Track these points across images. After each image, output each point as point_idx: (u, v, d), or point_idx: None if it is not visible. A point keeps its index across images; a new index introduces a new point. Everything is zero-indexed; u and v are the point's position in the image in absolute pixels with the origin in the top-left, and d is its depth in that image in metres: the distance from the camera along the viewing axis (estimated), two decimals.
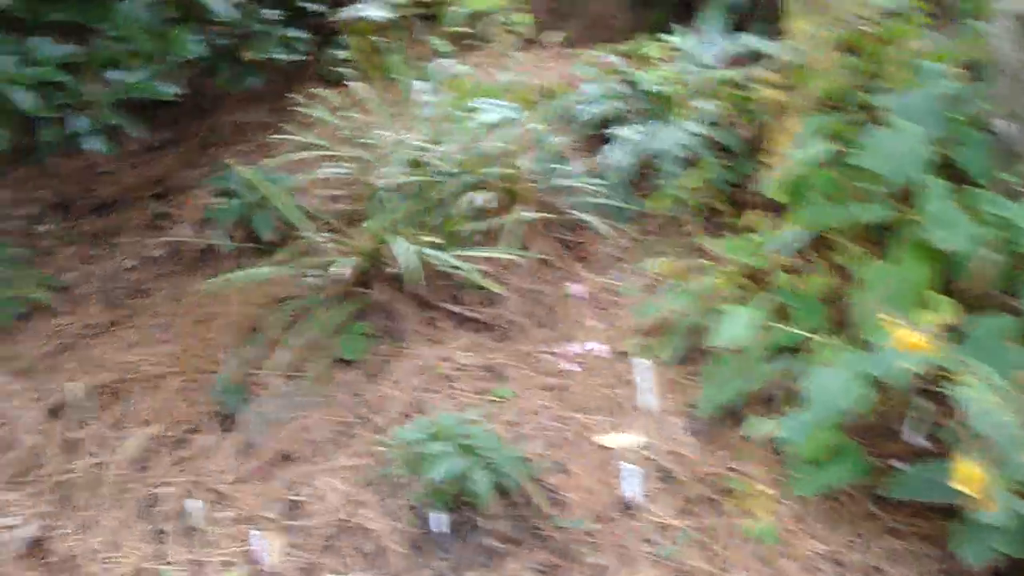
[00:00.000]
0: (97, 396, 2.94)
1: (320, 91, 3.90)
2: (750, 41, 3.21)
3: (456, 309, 2.94)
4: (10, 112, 2.84)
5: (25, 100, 2.79)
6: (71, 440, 2.82)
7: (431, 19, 4.62)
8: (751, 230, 2.75)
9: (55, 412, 2.92)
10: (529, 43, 4.62)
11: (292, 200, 3.17)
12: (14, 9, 2.76)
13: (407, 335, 2.90)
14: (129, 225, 3.71)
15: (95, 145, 3.00)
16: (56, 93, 2.90)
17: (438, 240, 2.87)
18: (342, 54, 4.25)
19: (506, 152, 3.19)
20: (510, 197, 3.13)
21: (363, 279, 2.90)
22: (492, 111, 3.33)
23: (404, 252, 2.70)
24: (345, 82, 3.91)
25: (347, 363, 2.86)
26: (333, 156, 3.35)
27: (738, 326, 2.39)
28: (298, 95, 4.00)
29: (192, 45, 3.13)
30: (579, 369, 2.75)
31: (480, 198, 3.01)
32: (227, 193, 3.35)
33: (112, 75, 3.01)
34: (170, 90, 3.05)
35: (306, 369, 2.83)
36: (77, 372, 3.04)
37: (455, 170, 3.06)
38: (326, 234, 3.04)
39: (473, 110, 3.36)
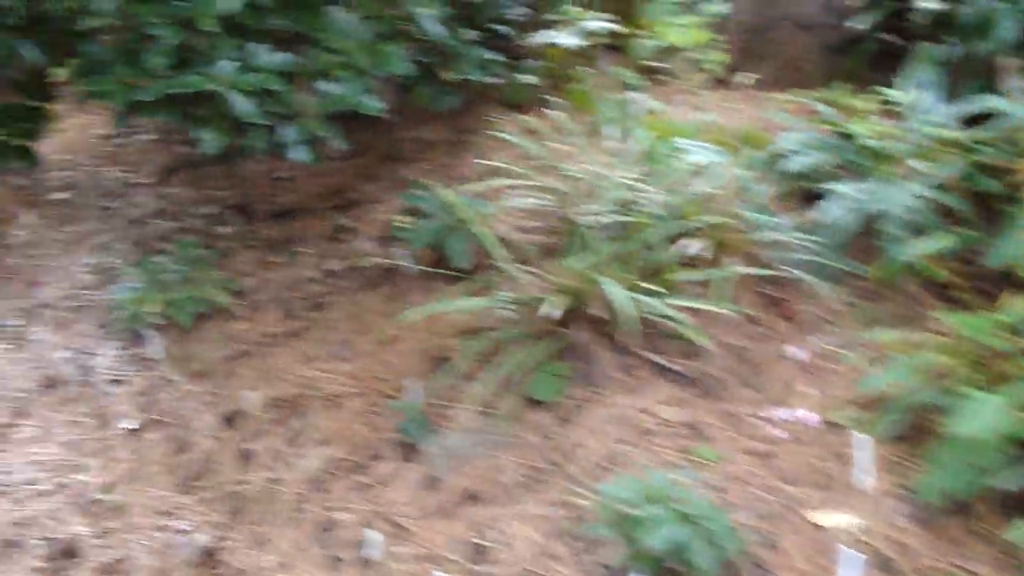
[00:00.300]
0: (274, 408, 2.90)
1: (509, 115, 3.83)
2: (991, 101, 2.98)
3: (656, 359, 2.78)
4: (224, 116, 2.83)
5: (242, 106, 2.78)
6: (246, 451, 2.79)
7: (619, 50, 4.53)
8: (989, 307, 2.54)
9: (230, 420, 2.89)
10: (718, 82, 4.49)
11: (489, 227, 3.07)
12: (239, 16, 2.75)
13: (602, 381, 2.75)
14: (308, 235, 3.67)
15: (300, 155, 2.97)
16: (267, 100, 2.88)
17: (645, 285, 2.73)
18: (528, 79, 4.17)
19: (715, 198, 3.05)
20: (718, 246, 2.97)
21: (562, 319, 2.78)
22: (699, 153, 3.18)
23: (619, 296, 2.57)
24: (539, 108, 3.83)
25: (537, 403, 2.72)
26: (526, 184, 3.25)
27: (986, 414, 2.18)
28: (483, 117, 3.95)
29: (401, 62, 3.08)
30: (787, 436, 2.56)
31: (694, 246, 2.86)
32: (417, 212, 3.28)
33: (322, 86, 2.97)
34: (378, 105, 3.00)
35: (494, 405, 2.72)
36: (254, 380, 3.01)
37: (664, 213, 2.92)
38: (520, 266, 2.94)
39: (678, 150, 3.22)
